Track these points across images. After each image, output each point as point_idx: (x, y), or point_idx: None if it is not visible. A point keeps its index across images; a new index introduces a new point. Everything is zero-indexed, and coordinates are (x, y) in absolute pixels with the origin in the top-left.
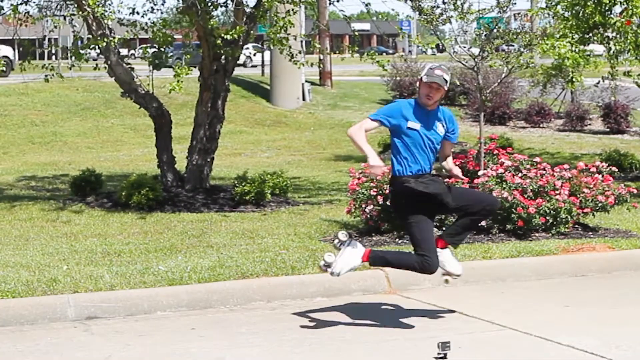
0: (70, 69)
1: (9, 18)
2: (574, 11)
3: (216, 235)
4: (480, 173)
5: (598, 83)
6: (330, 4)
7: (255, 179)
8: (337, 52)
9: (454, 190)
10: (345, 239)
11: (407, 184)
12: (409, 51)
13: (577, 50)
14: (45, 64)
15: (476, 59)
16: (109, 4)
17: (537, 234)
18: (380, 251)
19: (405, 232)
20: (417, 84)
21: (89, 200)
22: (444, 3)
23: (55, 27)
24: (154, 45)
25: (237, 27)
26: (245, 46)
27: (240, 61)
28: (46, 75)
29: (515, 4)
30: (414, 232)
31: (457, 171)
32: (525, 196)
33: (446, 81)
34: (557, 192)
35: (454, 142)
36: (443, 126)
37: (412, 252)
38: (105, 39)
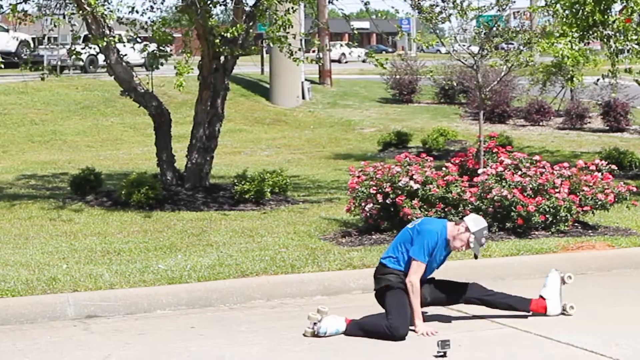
0: (69, 70)
1: (7, 17)
2: (573, 10)
3: (216, 234)
4: (479, 171)
5: (598, 81)
6: (329, 2)
7: (254, 177)
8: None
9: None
10: (320, 315)
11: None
12: (409, 49)
13: (576, 48)
14: (40, 67)
15: (475, 57)
16: (109, 3)
17: (536, 232)
18: (358, 321)
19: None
20: (463, 230)
21: (89, 199)
22: (443, 1)
23: (55, 26)
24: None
25: (237, 26)
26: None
27: (335, 57)
28: (42, 74)
29: (514, 2)
30: (390, 300)
31: None
32: (525, 194)
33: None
34: (556, 190)
35: None
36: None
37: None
38: (105, 38)
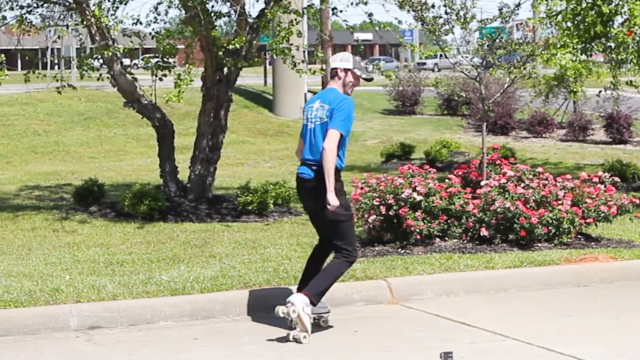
0: (82, 78)
1: (12, 28)
2: (575, 21)
3: (219, 245)
4: (482, 183)
5: (600, 93)
6: (333, 14)
7: (257, 188)
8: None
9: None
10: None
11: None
12: (412, 60)
13: (578, 60)
14: (55, 75)
15: (479, 69)
16: (112, 15)
17: (539, 244)
18: (313, 287)
19: (341, 228)
20: (344, 75)
21: (92, 210)
22: (446, 13)
23: (59, 37)
24: (157, 55)
25: (239, 37)
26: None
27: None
28: (58, 87)
29: (517, 14)
30: (350, 226)
31: None
32: (528, 206)
33: None
34: (559, 202)
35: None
36: None
37: (335, 259)
38: (111, 49)
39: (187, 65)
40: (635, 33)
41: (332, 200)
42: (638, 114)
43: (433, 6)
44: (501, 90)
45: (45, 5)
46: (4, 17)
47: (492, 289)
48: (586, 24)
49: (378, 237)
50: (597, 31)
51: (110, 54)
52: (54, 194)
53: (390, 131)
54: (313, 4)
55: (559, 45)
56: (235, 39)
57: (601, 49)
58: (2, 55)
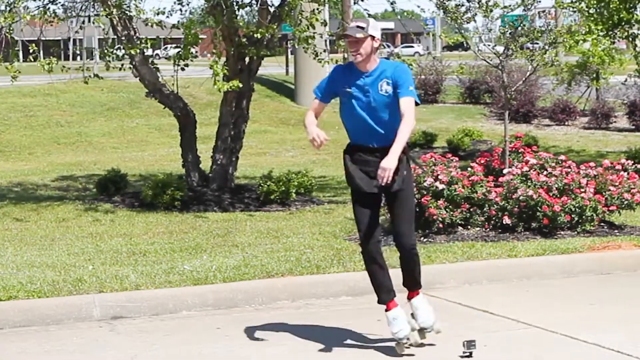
0: (108, 69)
1: (33, 18)
2: (598, 8)
3: (241, 235)
4: (505, 171)
5: (626, 81)
6: (354, 3)
7: (280, 178)
8: None
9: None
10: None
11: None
12: (434, 49)
13: (601, 47)
14: (80, 67)
15: (501, 57)
16: (137, 4)
17: (562, 232)
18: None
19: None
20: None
21: (115, 200)
22: (468, 1)
23: (81, 28)
24: (179, 45)
25: (267, 27)
26: None
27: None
28: (85, 77)
29: (540, 1)
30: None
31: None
32: (551, 194)
33: (361, 28)
34: (582, 190)
35: (406, 97)
36: (388, 84)
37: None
38: (137, 47)
39: (214, 55)
40: None
41: None
42: None
43: None
44: (523, 78)
45: None
46: (28, 8)
47: (515, 277)
48: (610, 9)
49: None
50: (621, 17)
51: (137, 51)
52: (77, 184)
53: None
54: None
55: (584, 32)
56: (261, 29)
57: (624, 36)
58: (33, 44)
